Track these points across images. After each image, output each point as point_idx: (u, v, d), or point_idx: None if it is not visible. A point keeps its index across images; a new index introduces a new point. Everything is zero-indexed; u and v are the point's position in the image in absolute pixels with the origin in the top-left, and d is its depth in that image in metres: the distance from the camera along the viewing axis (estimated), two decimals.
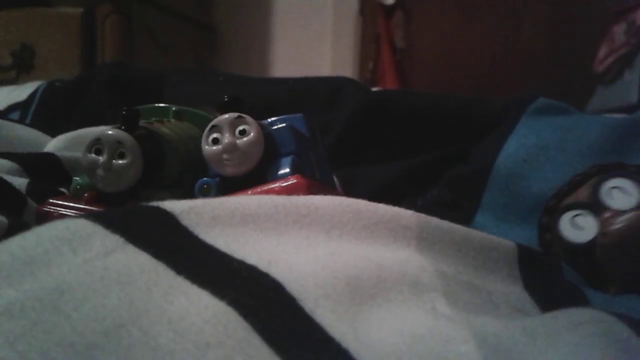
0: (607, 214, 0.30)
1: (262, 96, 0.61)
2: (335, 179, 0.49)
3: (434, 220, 0.29)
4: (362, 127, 0.58)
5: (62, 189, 0.40)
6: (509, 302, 0.27)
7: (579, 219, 0.31)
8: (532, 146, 0.48)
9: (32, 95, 0.71)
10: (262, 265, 0.21)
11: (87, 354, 0.16)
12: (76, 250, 0.20)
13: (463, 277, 0.26)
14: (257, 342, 0.18)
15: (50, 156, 0.45)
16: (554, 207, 0.34)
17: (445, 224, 0.30)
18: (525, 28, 1.74)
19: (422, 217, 0.29)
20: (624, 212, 0.29)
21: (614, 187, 0.31)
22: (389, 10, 1.90)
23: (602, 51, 1.56)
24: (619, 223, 0.29)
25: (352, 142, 0.57)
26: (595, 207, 0.31)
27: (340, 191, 0.50)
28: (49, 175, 0.42)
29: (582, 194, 0.33)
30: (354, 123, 0.58)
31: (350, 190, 0.51)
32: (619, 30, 1.52)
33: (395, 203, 0.29)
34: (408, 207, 0.29)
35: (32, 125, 0.61)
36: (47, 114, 0.67)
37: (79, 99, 0.68)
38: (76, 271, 0.19)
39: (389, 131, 0.58)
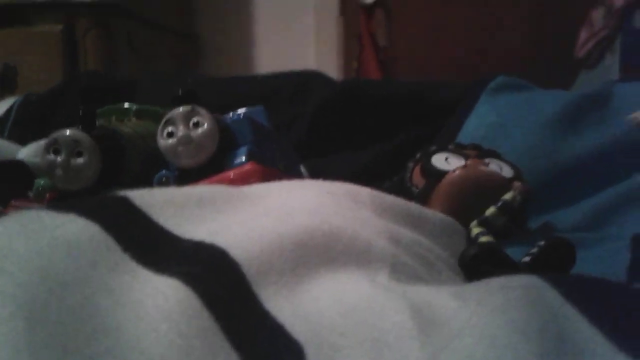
0: (469, 161, 0.41)
1: (231, 94, 0.62)
2: (303, 169, 0.49)
3: (388, 196, 0.30)
4: (330, 117, 0.59)
5: (29, 193, 0.41)
6: (451, 268, 0.27)
7: (450, 159, 0.42)
8: (491, 124, 0.49)
9: (8, 111, 0.71)
10: (209, 238, 0.22)
11: (28, 306, 0.16)
12: (25, 226, 0.21)
13: (418, 250, 0.26)
14: (197, 305, 0.18)
15: (17, 162, 0.45)
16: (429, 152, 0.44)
17: (400, 200, 0.30)
18: (508, 16, 1.75)
19: (376, 192, 0.30)
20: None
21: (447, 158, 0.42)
22: (369, 9, 1.90)
23: (583, 36, 1.57)
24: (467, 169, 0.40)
25: (322, 133, 0.58)
26: (464, 155, 0.42)
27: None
28: (15, 181, 0.43)
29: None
30: (322, 114, 0.59)
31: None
32: (598, 15, 1.53)
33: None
34: None
35: (8, 138, 0.61)
36: (24, 126, 0.68)
37: (54, 109, 0.69)
38: (24, 240, 0.20)
39: (357, 120, 0.59)
